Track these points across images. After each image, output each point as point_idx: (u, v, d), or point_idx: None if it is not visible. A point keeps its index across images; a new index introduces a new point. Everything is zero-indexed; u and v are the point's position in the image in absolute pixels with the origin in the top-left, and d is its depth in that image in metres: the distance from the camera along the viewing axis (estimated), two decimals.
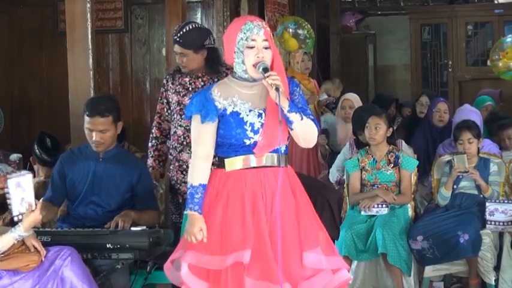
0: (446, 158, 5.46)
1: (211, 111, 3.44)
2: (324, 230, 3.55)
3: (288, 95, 3.43)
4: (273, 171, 3.44)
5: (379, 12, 12.39)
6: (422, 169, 5.74)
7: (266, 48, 3.42)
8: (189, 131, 4.80)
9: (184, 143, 4.86)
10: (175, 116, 4.91)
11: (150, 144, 5.05)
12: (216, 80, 4.82)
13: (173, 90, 4.92)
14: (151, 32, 7.56)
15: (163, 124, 5.03)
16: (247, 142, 3.42)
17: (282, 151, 3.46)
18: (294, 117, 3.36)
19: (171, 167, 5.02)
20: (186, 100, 4.85)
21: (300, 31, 8.32)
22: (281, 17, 8.52)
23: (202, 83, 4.85)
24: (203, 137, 3.47)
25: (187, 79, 4.88)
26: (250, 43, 3.39)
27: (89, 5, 4.94)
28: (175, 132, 4.91)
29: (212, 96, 3.47)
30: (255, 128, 3.41)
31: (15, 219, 3.71)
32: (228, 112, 3.44)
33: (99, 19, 7.29)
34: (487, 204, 5.03)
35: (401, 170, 5.27)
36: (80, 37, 4.95)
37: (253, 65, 3.39)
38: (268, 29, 3.46)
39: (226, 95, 3.46)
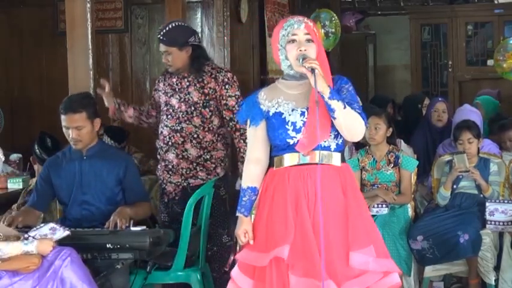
0: (446, 158, 5.47)
1: (256, 115, 3.49)
2: (377, 231, 3.53)
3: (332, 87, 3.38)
4: (321, 168, 3.40)
5: (379, 12, 12.38)
6: (422, 169, 5.74)
7: (309, 41, 3.42)
8: (174, 131, 4.84)
9: (170, 143, 4.86)
10: (162, 116, 4.93)
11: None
12: (200, 79, 4.82)
13: (163, 91, 4.95)
14: (151, 32, 7.55)
15: (145, 113, 5.10)
16: (291, 142, 3.43)
17: (332, 148, 3.45)
18: (335, 104, 3.32)
19: (158, 167, 5.02)
20: (172, 100, 4.86)
21: (327, 23, 8.42)
22: (280, 17, 8.53)
23: (187, 83, 4.84)
24: (251, 141, 3.56)
25: (174, 79, 4.89)
26: (291, 37, 3.42)
27: (89, 5, 4.94)
28: (161, 132, 4.92)
29: (258, 99, 3.52)
30: (297, 127, 3.42)
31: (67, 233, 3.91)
32: (271, 113, 3.47)
33: (99, 19, 7.28)
34: (487, 204, 5.03)
35: (401, 170, 5.27)
36: (80, 37, 4.95)
37: (296, 59, 3.40)
38: (310, 23, 3.46)
39: (271, 97, 3.50)
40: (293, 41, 3.43)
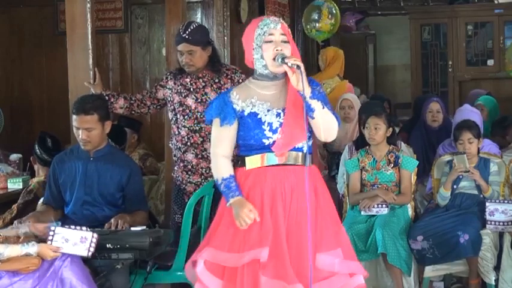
0: (447, 158, 5.47)
1: (229, 114, 3.46)
2: (345, 233, 3.54)
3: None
4: (294, 169, 3.44)
5: (379, 12, 12.39)
6: (422, 169, 5.74)
7: (284, 42, 3.43)
8: (193, 131, 4.84)
9: (188, 143, 4.87)
10: (178, 116, 4.92)
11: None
12: (216, 80, 4.84)
13: (175, 91, 4.93)
14: (151, 32, 7.55)
15: (137, 102, 5.03)
16: (266, 142, 3.43)
17: (305, 150, 3.46)
18: (315, 104, 3.34)
19: (175, 168, 5.02)
20: (188, 101, 4.86)
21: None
22: (281, 17, 8.53)
23: (203, 84, 4.86)
24: (222, 139, 3.51)
25: (188, 79, 4.89)
26: (267, 37, 3.42)
27: (88, 5, 4.94)
28: (179, 133, 4.92)
29: (230, 99, 3.50)
30: (274, 128, 3.42)
31: (90, 254, 3.84)
32: (246, 113, 3.45)
33: (99, 19, 7.29)
34: (487, 204, 5.03)
35: (401, 170, 5.27)
36: (79, 37, 4.95)
37: (273, 59, 3.39)
38: (285, 24, 3.47)
39: (244, 97, 3.48)
40: (270, 41, 3.42)
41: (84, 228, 3.84)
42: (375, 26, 12.36)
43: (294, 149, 3.45)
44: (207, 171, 4.87)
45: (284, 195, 3.41)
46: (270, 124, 3.42)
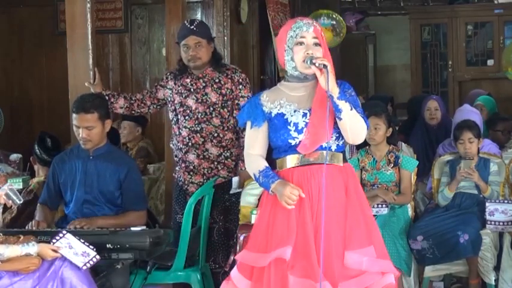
0: (447, 157, 5.47)
1: (259, 117, 3.49)
2: (378, 232, 3.52)
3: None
4: (321, 168, 3.41)
5: (379, 12, 12.38)
6: (422, 169, 5.74)
7: (316, 44, 3.44)
8: (194, 132, 4.85)
9: (190, 144, 4.88)
10: (179, 117, 4.93)
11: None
12: (217, 80, 4.85)
13: (175, 91, 4.93)
14: (151, 32, 7.56)
15: (137, 101, 5.04)
16: (292, 142, 3.44)
17: (333, 149, 3.47)
18: (343, 105, 3.34)
19: (177, 168, 5.02)
20: (188, 101, 4.87)
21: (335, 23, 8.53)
22: (284, 16, 8.53)
23: (203, 84, 4.87)
24: (253, 141, 3.53)
25: (188, 80, 4.90)
26: (299, 39, 3.43)
27: (88, 5, 4.94)
28: (180, 133, 4.92)
29: (260, 101, 3.52)
30: (299, 128, 3.43)
31: (84, 267, 3.83)
32: (273, 115, 3.47)
33: (99, 19, 7.29)
34: (487, 204, 5.03)
35: (401, 170, 5.27)
36: (79, 37, 4.96)
37: (303, 61, 3.41)
38: (319, 27, 3.47)
39: (273, 99, 3.50)
40: (301, 43, 3.44)
41: (91, 246, 3.85)
42: (375, 26, 12.36)
43: (322, 148, 3.43)
44: (209, 172, 4.88)
45: (311, 195, 3.41)
46: (295, 124, 3.43)
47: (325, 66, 3.30)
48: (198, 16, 7.21)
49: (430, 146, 6.19)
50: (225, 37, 7.15)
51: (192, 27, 4.79)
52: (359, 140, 3.49)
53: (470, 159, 5.17)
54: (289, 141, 3.44)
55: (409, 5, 11.82)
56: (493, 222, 5.00)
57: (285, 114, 3.45)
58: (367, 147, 5.38)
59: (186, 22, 4.90)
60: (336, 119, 3.38)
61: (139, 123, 6.69)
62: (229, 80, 4.85)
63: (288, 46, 3.46)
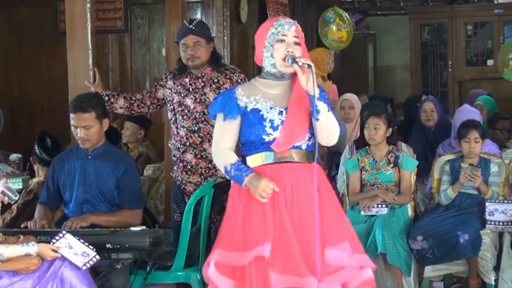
0: (447, 157, 5.47)
1: (233, 109, 3.50)
2: (351, 228, 3.56)
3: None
4: (292, 166, 3.47)
5: (379, 12, 12.38)
6: (422, 169, 5.74)
7: (296, 44, 3.47)
8: (191, 131, 4.85)
9: (187, 143, 4.88)
10: (177, 116, 4.93)
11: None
12: (215, 80, 4.85)
13: (174, 91, 4.93)
14: (151, 32, 7.56)
15: (137, 102, 5.05)
16: (267, 139, 3.46)
17: (304, 148, 3.50)
18: (322, 106, 3.39)
19: (175, 168, 5.02)
20: (187, 101, 4.87)
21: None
22: (284, 16, 8.53)
23: (202, 84, 4.87)
24: (225, 133, 3.53)
25: (187, 79, 4.90)
26: (280, 37, 3.46)
27: (88, 5, 4.94)
28: (177, 133, 4.92)
29: (235, 95, 3.53)
30: (275, 125, 3.45)
31: (84, 267, 3.83)
32: (248, 109, 3.49)
33: (99, 19, 7.29)
34: (487, 204, 5.03)
35: (401, 170, 5.27)
36: (79, 37, 4.96)
37: (282, 59, 3.43)
38: (299, 28, 3.51)
39: (249, 94, 3.52)
40: (282, 40, 3.46)
41: (91, 247, 3.85)
42: (375, 26, 12.36)
43: (293, 147, 3.48)
44: (207, 171, 4.87)
45: (285, 192, 3.44)
46: (271, 121, 3.45)
47: (309, 66, 3.33)
48: (198, 16, 7.22)
49: (429, 147, 6.18)
50: (224, 37, 7.15)
51: (191, 26, 4.79)
52: (332, 142, 3.52)
53: (478, 168, 5.15)
54: (264, 137, 3.45)
55: (409, 5, 11.82)
56: (492, 222, 5.01)
57: (260, 110, 3.47)
58: (367, 147, 5.38)
59: (185, 21, 4.91)
60: (313, 119, 3.42)
61: (143, 126, 6.67)
62: (228, 80, 4.85)
63: (269, 43, 3.47)
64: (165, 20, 6.13)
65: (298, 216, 3.43)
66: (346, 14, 9.36)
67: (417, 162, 5.35)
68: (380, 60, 12.45)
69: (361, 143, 5.57)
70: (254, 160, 3.50)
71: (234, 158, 3.50)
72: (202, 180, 4.87)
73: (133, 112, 5.13)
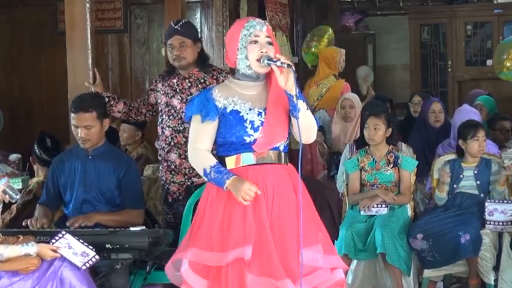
0: (446, 157, 5.47)
1: (212, 111, 3.47)
2: (324, 229, 3.56)
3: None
4: (272, 168, 3.48)
5: (379, 13, 12.39)
6: (421, 170, 5.75)
7: (269, 44, 3.47)
8: (176, 131, 4.85)
9: (172, 143, 4.87)
10: (163, 116, 4.94)
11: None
12: (202, 81, 4.85)
13: (162, 92, 4.95)
14: (151, 32, 7.56)
15: (134, 110, 5.09)
16: (247, 139, 3.46)
17: (281, 149, 3.52)
18: (301, 104, 3.39)
19: (160, 167, 5.03)
20: (174, 101, 4.88)
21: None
22: (283, 17, 8.53)
23: (189, 84, 4.87)
24: (203, 135, 3.50)
25: (175, 80, 4.91)
26: (253, 38, 3.45)
27: (88, 5, 4.94)
28: (163, 132, 4.93)
29: (213, 96, 3.51)
30: (255, 126, 3.45)
31: (83, 267, 3.82)
32: (228, 110, 3.47)
33: (99, 19, 7.29)
34: (487, 204, 5.03)
35: (400, 170, 5.27)
36: (79, 37, 4.96)
37: (257, 60, 3.43)
38: (270, 27, 3.52)
39: (226, 95, 3.50)
40: (255, 41, 3.45)
41: (91, 247, 3.85)
42: (374, 26, 12.37)
43: (272, 148, 3.49)
44: (191, 172, 4.85)
45: (266, 193, 3.44)
46: (251, 122, 3.45)
47: (289, 65, 3.33)
48: (198, 16, 7.22)
49: (429, 147, 6.19)
50: (224, 37, 7.15)
51: (177, 27, 4.80)
52: (311, 139, 3.53)
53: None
54: (245, 138, 3.45)
55: (408, 5, 11.83)
56: (492, 222, 5.01)
57: (240, 112, 3.46)
58: (367, 147, 5.38)
59: (172, 22, 4.91)
60: (292, 118, 3.42)
61: (140, 127, 6.66)
62: (215, 81, 4.83)
63: (242, 45, 3.47)
64: (164, 20, 6.14)
65: (278, 217, 3.43)
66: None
67: (417, 163, 5.36)
68: (379, 60, 12.45)
69: (361, 143, 5.57)
70: (233, 161, 3.48)
71: (214, 161, 3.48)
72: (186, 180, 4.87)
73: (130, 118, 5.19)
